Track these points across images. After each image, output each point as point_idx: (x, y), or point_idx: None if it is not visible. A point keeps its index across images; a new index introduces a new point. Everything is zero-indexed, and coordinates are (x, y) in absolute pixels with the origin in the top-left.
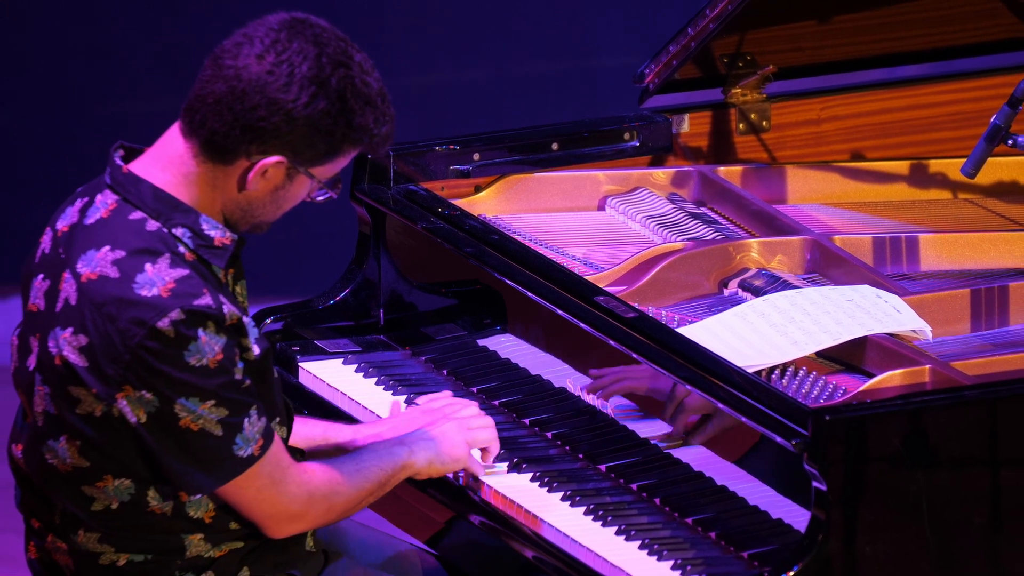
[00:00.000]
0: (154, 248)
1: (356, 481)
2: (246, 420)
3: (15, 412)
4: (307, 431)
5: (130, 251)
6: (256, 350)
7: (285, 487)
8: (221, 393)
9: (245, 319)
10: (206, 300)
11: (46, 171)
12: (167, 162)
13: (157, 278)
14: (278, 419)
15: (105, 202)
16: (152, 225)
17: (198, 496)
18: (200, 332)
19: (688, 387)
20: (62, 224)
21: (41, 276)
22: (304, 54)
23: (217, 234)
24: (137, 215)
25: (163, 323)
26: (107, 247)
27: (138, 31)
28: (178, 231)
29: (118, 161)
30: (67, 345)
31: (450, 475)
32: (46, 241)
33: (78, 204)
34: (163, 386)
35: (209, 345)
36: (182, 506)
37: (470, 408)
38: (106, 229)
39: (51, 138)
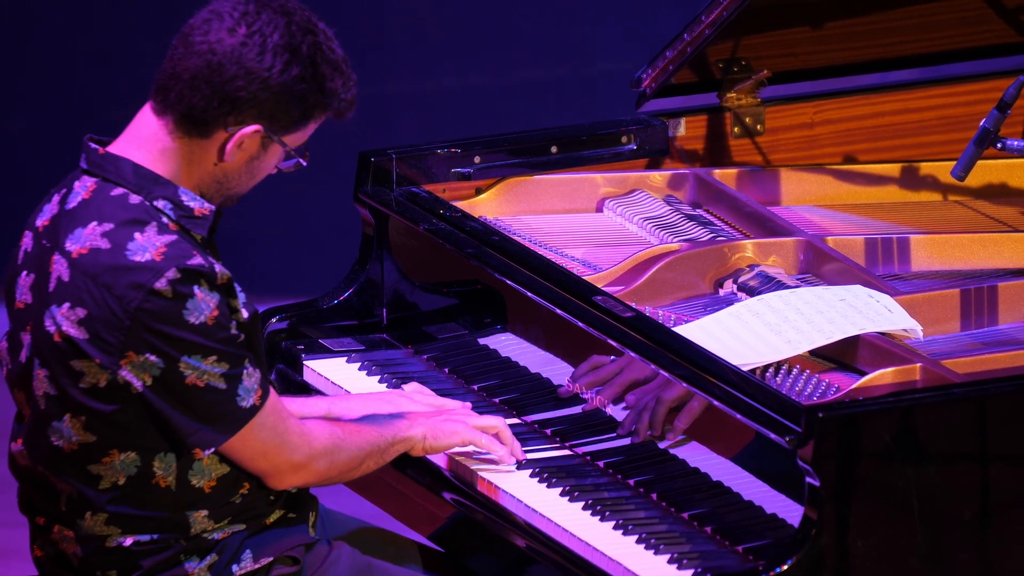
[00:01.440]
0: (140, 218)
1: (356, 441)
2: (244, 372)
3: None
4: (307, 411)
5: (118, 223)
6: (244, 313)
7: (288, 437)
8: (221, 348)
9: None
10: (198, 260)
11: (53, 173)
12: (142, 142)
13: (148, 244)
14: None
15: (84, 186)
16: (135, 199)
17: (209, 451)
18: (196, 289)
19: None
20: (41, 220)
21: (24, 273)
22: (274, 24)
23: (196, 205)
24: (119, 191)
25: (160, 283)
26: (94, 223)
27: (143, 36)
28: (159, 203)
29: (93, 146)
30: (65, 320)
31: (447, 472)
32: (27, 241)
33: (56, 198)
34: (166, 346)
35: (205, 302)
36: (186, 476)
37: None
38: (90, 208)
39: (58, 140)
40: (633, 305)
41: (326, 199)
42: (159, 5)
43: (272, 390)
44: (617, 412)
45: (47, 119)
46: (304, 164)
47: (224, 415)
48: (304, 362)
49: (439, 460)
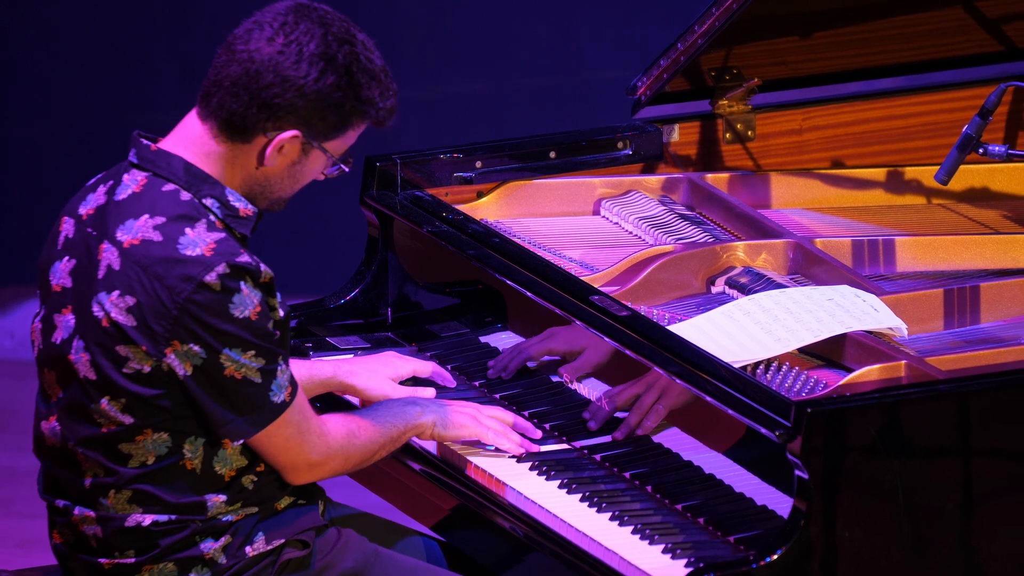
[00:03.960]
0: (190, 214)
1: (370, 435)
2: (279, 368)
3: (18, 403)
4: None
5: (169, 217)
6: (281, 312)
7: (308, 436)
8: (260, 343)
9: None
10: (245, 258)
11: (73, 179)
12: (188, 143)
13: (199, 239)
14: None
15: (135, 179)
16: (185, 195)
17: (238, 442)
18: (242, 285)
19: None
20: (85, 209)
21: (66, 258)
22: (311, 34)
23: (241, 205)
24: (170, 187)
25: (210, 277)
26: (146, 215)
27: (160, 47)
28: (207, 201)
29: (144, 142)
30: (114, 307)
31: (449, 466)
32: (67, 228)
33: (101, 189)
34: (210, 337)
35: (250, 298)
36: (211, 462)
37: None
38: (142, 201)
39: (78, 148)
40: (629, 304)
41: (333, 202)
42: (174, 18)
43: (300, 386)
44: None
45: (72, 128)
46: (347, 170)
47: (256, 408)
48: (312, 359)
49: (442, 453)
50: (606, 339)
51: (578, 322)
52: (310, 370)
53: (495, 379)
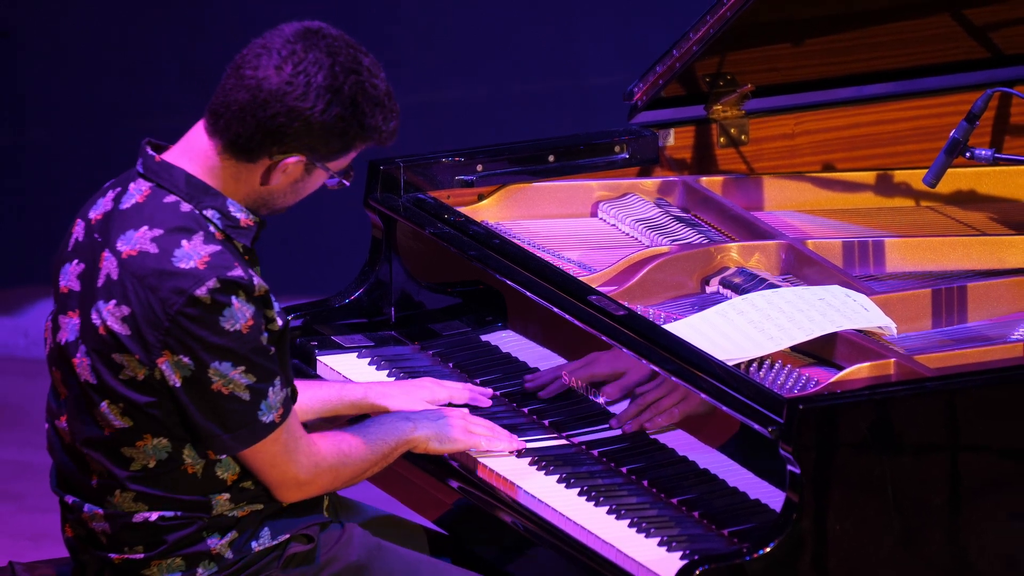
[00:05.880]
0: (188, 227)
1: (362, 453)
2: (271, 388)
3: (31, 400)
4: (323, 394)
5: (167, 229)
6: (279, 322)
7: (296, 456)
8: (251, 358)
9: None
10: (238, 272)
11: (81, 181)
12: (193, 155)
13: (194, 252)
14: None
15: (139, 189)
16: (185, 207)
17: (225, 456)
18: (233, 299)
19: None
20: (94, 213)
21: (75, 261)
22: (319, 64)
23: (242, 216)
24: (171, 199)
25: (201, 291)
26: (145, 227)
27: (165, 53)
28: (208, 212)
29: (150, 152)
30: (110, 316)
31: (452, 461)
32: (78, 230)
33: (110, 195)
34: (200, 350)
35: (241, 312)
36: (212, 467)
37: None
38: (143, 212)
39: (86, 151)
40: (626, 304)
41: (338, 205)
42: (180, 24)
43: (294, 409)
44: (615, 406)
45: (80, 132)
46: (347, 184)
47: (243, 425)
48: (317, 358)
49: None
50: (603, 338)
51: (576, 322)
52: (340, 392)
53: (496, 377)
